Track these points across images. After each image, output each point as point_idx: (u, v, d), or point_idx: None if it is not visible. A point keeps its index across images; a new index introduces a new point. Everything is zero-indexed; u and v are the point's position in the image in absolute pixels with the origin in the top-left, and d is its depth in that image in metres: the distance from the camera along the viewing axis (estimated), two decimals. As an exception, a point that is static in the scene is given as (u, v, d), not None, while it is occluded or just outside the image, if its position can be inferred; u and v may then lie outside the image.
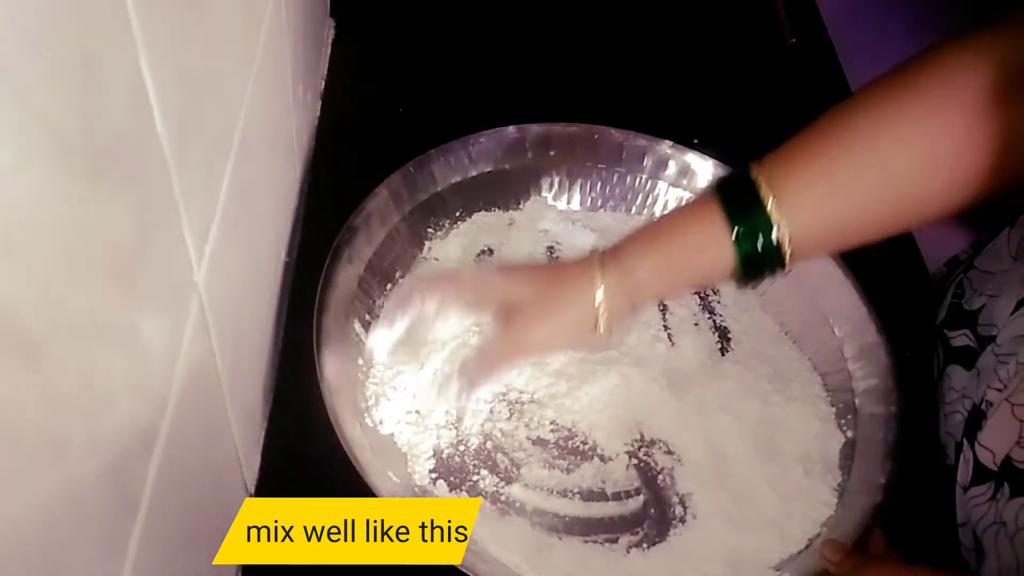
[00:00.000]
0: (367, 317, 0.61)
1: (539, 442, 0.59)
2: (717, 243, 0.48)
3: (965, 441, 0.54)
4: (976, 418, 0.54)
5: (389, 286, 0.64)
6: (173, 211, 0.35)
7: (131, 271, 0.31)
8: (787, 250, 0.47)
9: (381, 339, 0.55)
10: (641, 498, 0.57)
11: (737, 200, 0.48)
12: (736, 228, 0.47)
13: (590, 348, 0.61)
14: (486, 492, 0.56)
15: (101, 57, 0.26)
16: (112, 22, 0.27)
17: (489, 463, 0.57)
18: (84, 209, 0.26)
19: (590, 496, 0.57)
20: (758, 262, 0.48)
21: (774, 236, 0.46)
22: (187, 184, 0.36)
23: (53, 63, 0.23)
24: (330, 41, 0.83)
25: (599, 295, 0.49)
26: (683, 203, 0.53)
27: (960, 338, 0.60)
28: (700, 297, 0.69)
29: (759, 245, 0.47)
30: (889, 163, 0.46)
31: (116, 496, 0.31)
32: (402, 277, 0.66)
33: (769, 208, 0.46)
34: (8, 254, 0.22)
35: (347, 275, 0.60)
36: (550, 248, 0.70)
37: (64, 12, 0.24)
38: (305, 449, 0.56)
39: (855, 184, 0.47)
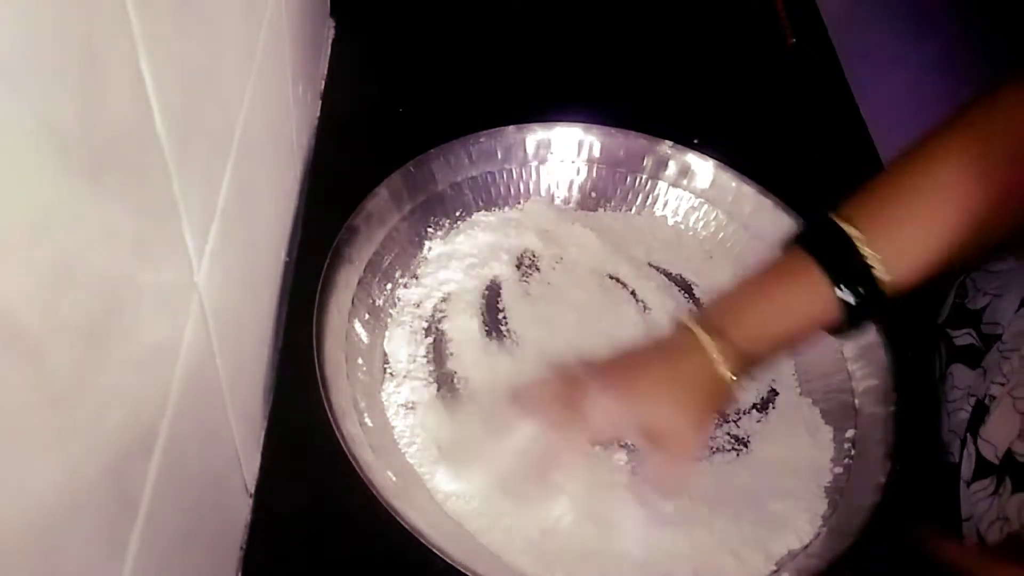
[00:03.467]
0: (367, 316, 0.61)
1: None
2: (821, 298, 0.47)
3: (968, 436, 0.55)
4: (979, 413, 0.54)
5: (389, 286, 0.64)
6: (173, 211, 0.35)
7: (131, 271, 0.31)
8: (887, 293, 0.47)
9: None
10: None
11: (830, 253, 0.47)
12: (837, 281, 0.47)
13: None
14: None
15: (101, 57, 0.26)
16: (112, 22, 0.27)
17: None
18: (84, 209, 0.26)
19: None
20: (862, 311, 0.47)
21: (876, 279, 0.46)
22: (187, 184, 0.36)
23: (53, 63, 0.23)
24: (330, 41, 0.83)
25: (722, 370, 0.48)
26: (763, 264, 0.51)
27: (964, 337, 0.60)
28: (691, 297, 0.69)
29: (862, 293, 0.47)
30: (968, 199, 0.46)
31: (116, 496, 0.31)
32: (403, 277, 0.65)
33: (867, 257, 0.46)
34: (8, 254, 0.22)
35: (347, 275, 0.60)
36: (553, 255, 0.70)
37: (64, 12, 0.24)
38: (305, 449, 0.56)
39: (937, 221, 0.47)
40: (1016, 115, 0.46)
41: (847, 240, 0.47)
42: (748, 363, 0.49)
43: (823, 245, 0.48)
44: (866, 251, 0.46)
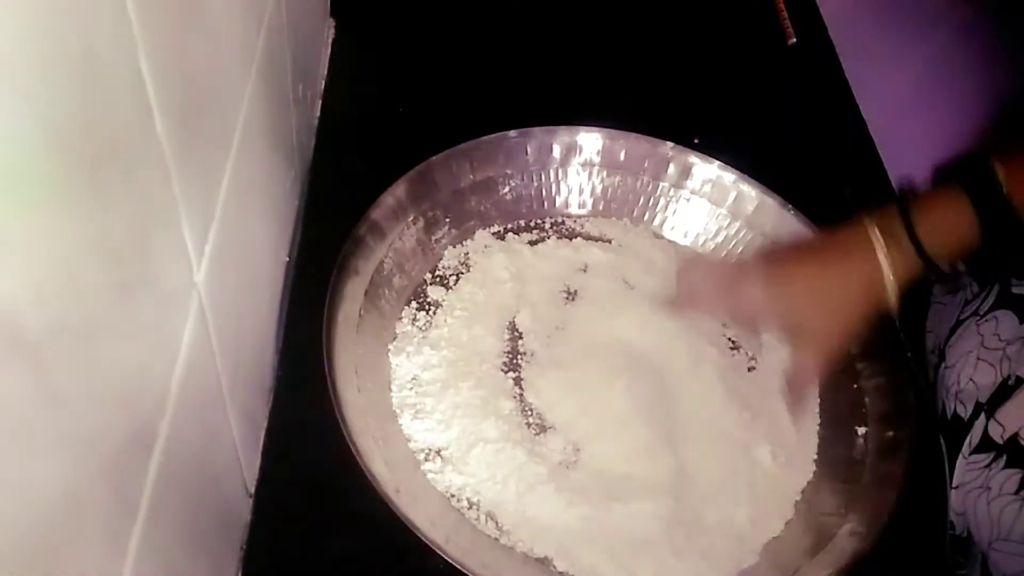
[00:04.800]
0: (375, 328, 0.61)
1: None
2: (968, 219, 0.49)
3: (985, 410, 0.56)
4: (1003, 392, 0.56)
5: (395, 296, 0.64)
6: (173, 211, 0.35)
7: (131, 271, 0.31)
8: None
9: None
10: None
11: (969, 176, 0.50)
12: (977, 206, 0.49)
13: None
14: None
15: (101, 57, 0.26)
16: (112, 22, 0.27)
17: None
18: (84, 209, 0.26)
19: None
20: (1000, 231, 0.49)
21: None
22: (187, 184, 0.36)
23: (53, 63, 0.23)
24: (330, 41, 0.83)
25: (887, 274, 0.50)
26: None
27: (1021, 286, 0.60)
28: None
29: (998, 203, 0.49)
30: None
31: (116, 496, 0.31)
32: (409, 287, 0.65)
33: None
34: (8, 254, 0.22)
35: (354, 287, 0.60)
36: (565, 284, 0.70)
37: (64, 12, 0.24)
38: (305, 449, 0.56)
39: None
40: None
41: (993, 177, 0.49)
42: (911, 271, 0.51)
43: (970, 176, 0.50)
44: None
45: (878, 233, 0.51)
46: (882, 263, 0.50)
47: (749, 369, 0.65)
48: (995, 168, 0.49)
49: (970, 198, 0.49)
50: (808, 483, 0.59)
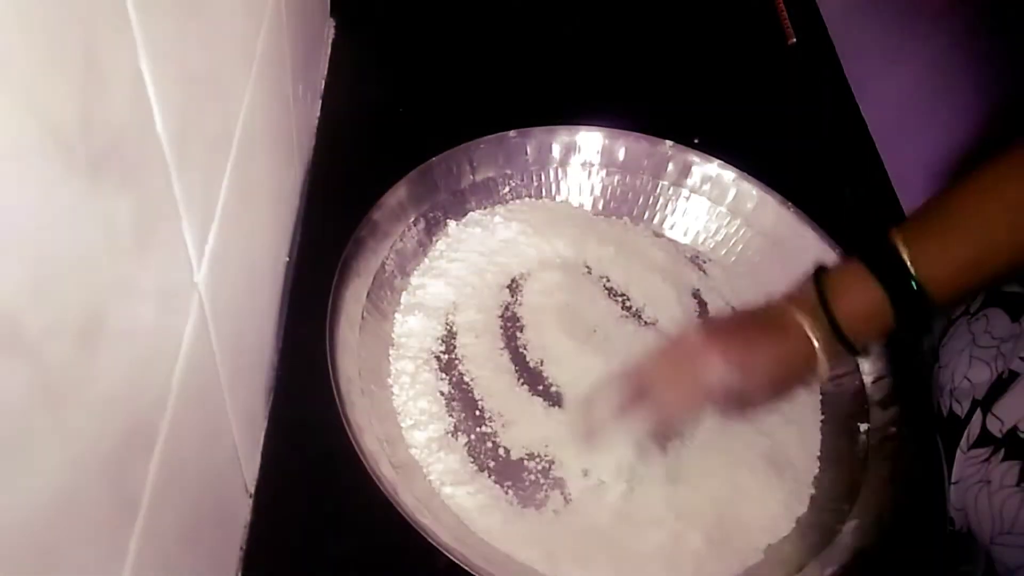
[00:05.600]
0: (377, 329, 0.61)
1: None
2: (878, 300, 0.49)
3: (981, 406, 0.56)
4: (999, 387, 0.56)
5: (397, 297, 0.64)
6: (173, 211, 0.35)
7: (131, 271, 0.31)
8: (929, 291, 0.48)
9: None
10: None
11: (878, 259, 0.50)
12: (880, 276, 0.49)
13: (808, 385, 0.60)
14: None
15: (101, 57, 0.26)
16: (112, 22, 0.27)
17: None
18: (84, 209, 0.26)
19: None
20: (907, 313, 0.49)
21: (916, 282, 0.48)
22: (187, 184, 0.36)
23: (53, 63, 0.23)
24: (330, 41, 0.83)
25: (819, 351, 0.50)
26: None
27: (1011, 285, 0.60)
28: (697, 300, 0.69)
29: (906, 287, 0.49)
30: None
31: (116, 496, 0.31)
32: (411, 288, 0.65)
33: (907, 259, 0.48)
34: (8, 254, 0.22)
35: (355, 288, 0.60)
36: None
37: (64, 12, 0.24)
38: (305, 449, 0.56)
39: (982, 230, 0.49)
40: None
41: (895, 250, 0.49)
42: (835, 351, 0.51)
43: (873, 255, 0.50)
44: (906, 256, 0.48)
45: (803, 314, 0.50)
46: (813, 341, 0.50)
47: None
48: (899, 249, 0.48)
49: (881, 283, 0.49)
50: (812, 479, 0.60)
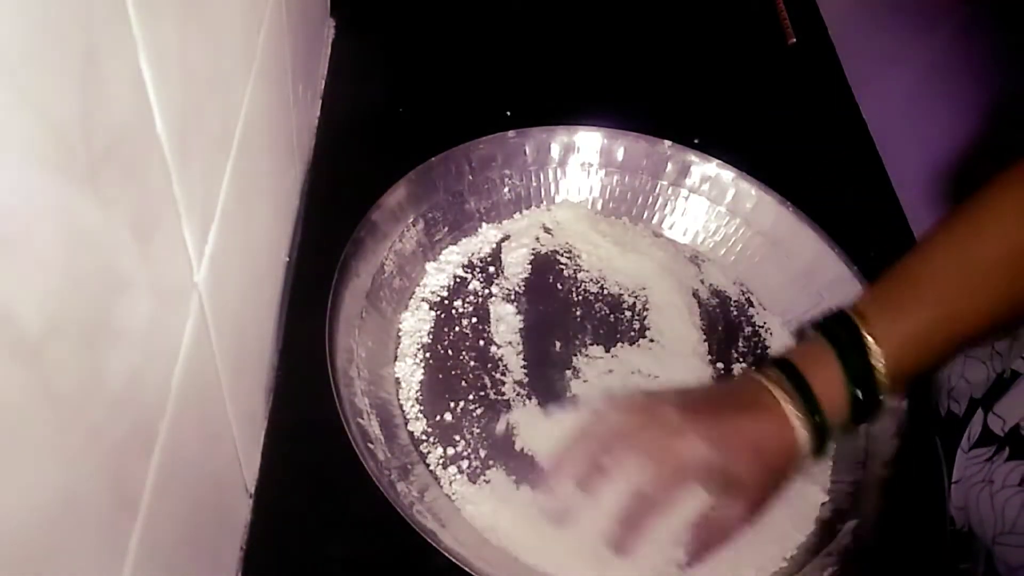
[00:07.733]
0: (376, 330, 0.61)
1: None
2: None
3: (981, 405, 0.56)
4: (999, 387, 0.56)
5: (396, 297, 0.64)
6: (173, 211, 0.35)
7: (131, 271, 0.31)
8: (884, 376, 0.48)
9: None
10: None
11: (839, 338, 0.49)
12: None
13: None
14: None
15: (101, 57, 0.26)
16: (112, 22, 0.27)
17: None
18: (84, 209, 0.26)
19: None
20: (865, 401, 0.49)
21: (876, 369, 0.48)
22: (187, 184, 0.36)
23: (53, 62, 0.23)
24: (330, 41, 0.83)
25: (785, 406, 0.48)
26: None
27: None
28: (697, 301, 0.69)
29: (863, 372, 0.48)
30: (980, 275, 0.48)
31: (116, 496, 0.31)
32: (410, 288, 0.65)
33: (869, 349, 0.48)
34: (8, 254, 0.22)
35: (355, 289, 0.60)
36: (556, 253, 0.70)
37: (64, 12, 0.24)
38: (305, 449, 0.56)
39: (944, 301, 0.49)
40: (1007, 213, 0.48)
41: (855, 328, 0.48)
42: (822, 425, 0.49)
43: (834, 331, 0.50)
44: (870, 342, 0.48)
45: (780, 391, 0.49)
46: (792, 420, 0.48)
47: (748, 368, 0.65)
48: (862, 332, 0.48)
49: (842, 365, 0.48)
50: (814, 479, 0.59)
